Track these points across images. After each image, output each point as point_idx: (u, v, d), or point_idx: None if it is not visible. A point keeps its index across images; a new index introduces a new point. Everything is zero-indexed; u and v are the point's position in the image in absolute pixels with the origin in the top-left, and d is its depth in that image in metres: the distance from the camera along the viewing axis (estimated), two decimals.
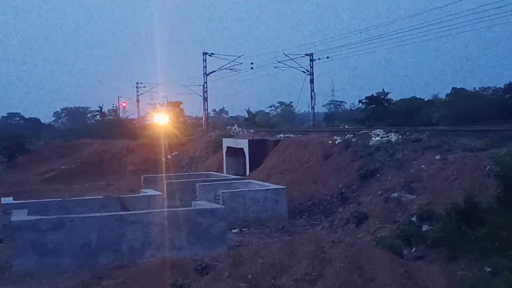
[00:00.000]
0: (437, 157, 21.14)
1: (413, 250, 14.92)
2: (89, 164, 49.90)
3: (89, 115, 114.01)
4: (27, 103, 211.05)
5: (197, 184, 26.00)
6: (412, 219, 16.86)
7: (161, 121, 62.67)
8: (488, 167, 16.81)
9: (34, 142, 63.29)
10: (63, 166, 49.83)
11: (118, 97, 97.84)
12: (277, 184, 26.54)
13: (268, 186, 24.94)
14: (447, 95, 58.32)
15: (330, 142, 30.05)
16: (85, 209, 19.55)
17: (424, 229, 15.81)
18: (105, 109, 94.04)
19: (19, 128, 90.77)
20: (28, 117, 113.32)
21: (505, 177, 14.76)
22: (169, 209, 19.54)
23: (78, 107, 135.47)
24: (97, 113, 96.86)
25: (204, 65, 63.91)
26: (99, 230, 15.64)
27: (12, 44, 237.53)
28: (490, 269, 12.48)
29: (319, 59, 58.51)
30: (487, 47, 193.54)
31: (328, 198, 24.36)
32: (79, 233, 15.46)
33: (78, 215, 16.39)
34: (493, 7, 44.13)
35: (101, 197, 22.35)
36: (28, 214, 16.93)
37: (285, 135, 39.19)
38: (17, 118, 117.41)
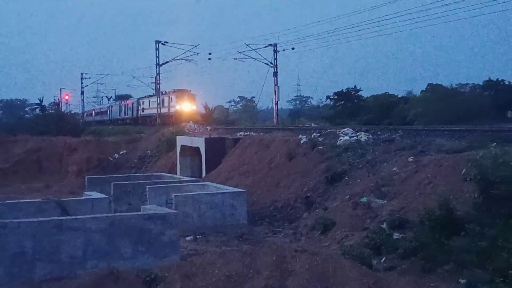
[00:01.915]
0: (410, 159, 21.40)
1: (383, 260, 15.07)
2: (25, 163, 48.96)
3: (27, 109, 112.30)
4: None
5: (147, 186, 25.79)
6: (383, 226, 17.04)
7: (187, 108, 60.71)
8: (464, 170, 17.10)
9: None
10: None
11: (61, 89, 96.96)
12: (236, 187, 26.53)
13: (225, 189, 24.90)
14: (422, 91, 59.12)
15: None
16: (19, 213, 19.14)
17: (395, 238, 16.00)
18: (45, 102, 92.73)
19: None
20: None
21: (482, 181, 15.03)
22: (115, 214, 19.35)
23: (15, 99, 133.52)
24: (37, 106, 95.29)
25: (157, 54, 63.39)
26: (35, 237, 15.33)
27: None
28: (464, 281, 12.71)
29: (283, 50, 58.53)
30: (463, 41, 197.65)
31: (291, 203, 24.45)
32: (12, 240, 15.13)
33: (11, 220, 16.07)
34: None
35: (38, 200, 21.99)
36: None
37: (246, 133, 39.21)
38: None
